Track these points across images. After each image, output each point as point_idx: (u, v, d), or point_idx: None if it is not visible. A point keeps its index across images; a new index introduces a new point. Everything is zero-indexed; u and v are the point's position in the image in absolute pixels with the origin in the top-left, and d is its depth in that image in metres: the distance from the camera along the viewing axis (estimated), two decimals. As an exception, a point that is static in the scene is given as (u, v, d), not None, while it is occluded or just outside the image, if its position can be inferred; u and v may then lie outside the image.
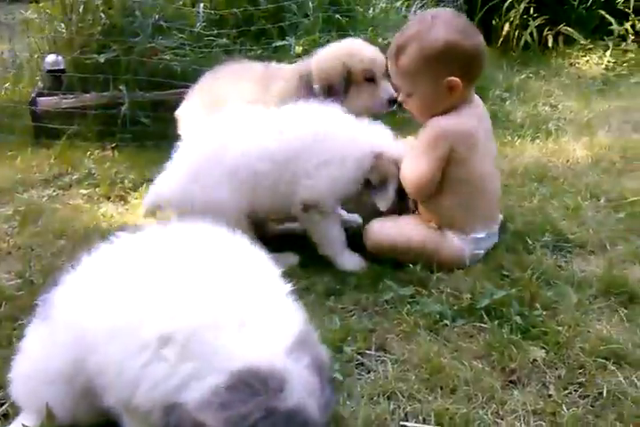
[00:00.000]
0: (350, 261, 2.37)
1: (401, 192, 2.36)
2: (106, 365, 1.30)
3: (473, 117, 2.33)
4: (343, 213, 2.58)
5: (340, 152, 2.30)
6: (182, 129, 3.20)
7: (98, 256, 1.50)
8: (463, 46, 2.22)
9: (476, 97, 2.43)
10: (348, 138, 2.33)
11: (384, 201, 2.34)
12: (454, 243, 2.34)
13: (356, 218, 2.59)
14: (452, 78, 2.23)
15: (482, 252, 2.38)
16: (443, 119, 2.29)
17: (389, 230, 2.36)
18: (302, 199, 2.31)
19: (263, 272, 1.43)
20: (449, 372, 1.75)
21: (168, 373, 1.21)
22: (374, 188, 2.33)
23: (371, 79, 2.93)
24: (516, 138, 3.75)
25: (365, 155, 2.32)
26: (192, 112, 3.16)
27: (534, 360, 1.80)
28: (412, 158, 2.32)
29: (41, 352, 1.51)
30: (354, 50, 2.97)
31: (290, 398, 1.18)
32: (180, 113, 3.26)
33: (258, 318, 1.27)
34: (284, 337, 1.26)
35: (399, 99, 2.45)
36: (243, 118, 2.40)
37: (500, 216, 2.51)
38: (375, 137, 2.38)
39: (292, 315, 1.35)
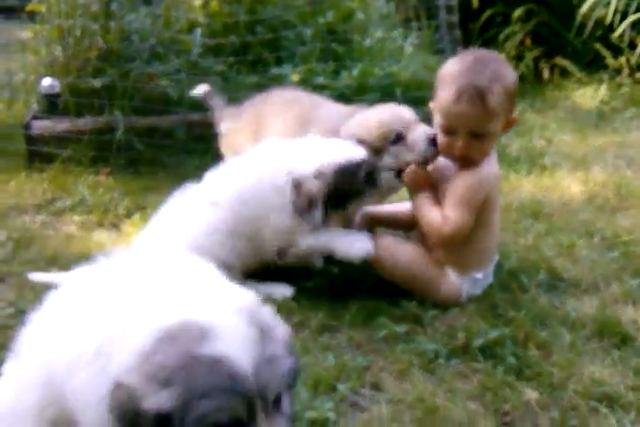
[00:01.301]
0: (353, 245, 2.32)
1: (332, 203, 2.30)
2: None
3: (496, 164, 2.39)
4: None
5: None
6: (224, 148, 3.22)
7: (60, 292, 1.48)
8: (515, 84, 2.32)
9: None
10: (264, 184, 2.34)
11: (312, 224, 2.30)
12: (452, 280, 2.34)
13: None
14: (515, 114, 2.31)
15: (478, 292, 2.38)
16: (485, 164, 2.31)
17: (396, 250, 2.36)
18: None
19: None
20: (443, 413, 1.75)
21: None
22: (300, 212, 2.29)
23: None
24: (512, 172, 3.75)
25: (282, 185, 2.31)
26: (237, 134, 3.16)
27: (528, 402, 1.79)
28: (452, 207, 2.26)
29: (12, 391, 1.48)
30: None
31: (213, 346, 1.13)
32: (224, 131, 3.25)
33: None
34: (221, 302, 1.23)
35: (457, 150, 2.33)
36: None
37: (496, 256, 2.51)
38: (288, 161, 2.36)
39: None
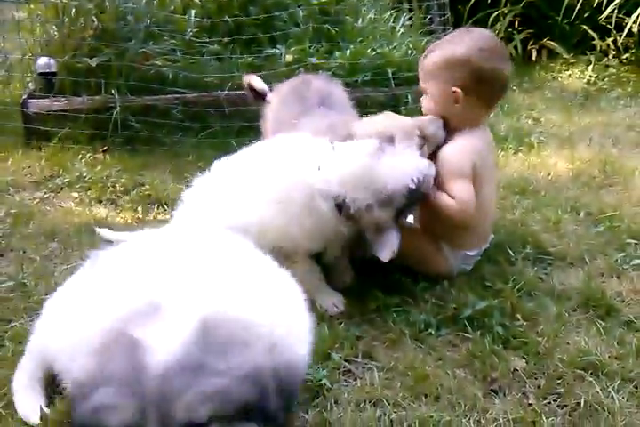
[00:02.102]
0: (326, 298, 2.23)
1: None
2: None
3: (484, 139, 2.44)
4: None
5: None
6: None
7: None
8: (479, 63, 2.30)
9: (487, 128, 2.54)
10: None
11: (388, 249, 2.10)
12: (445, 256, 2.41)
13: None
14: (456, 89, 2.31)
15: (469, 267, 2.46)
16: (459, 138, 2.35)
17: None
18: None
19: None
20: (433, 380, 1.83)
21: None
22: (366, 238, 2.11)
23: None
24: (500, 151, 3.84)
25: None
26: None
27: (515, 370, 1.88)
28: (450, 185, 2.27)
29: None
30: None
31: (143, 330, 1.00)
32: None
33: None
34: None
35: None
36: None
37: (491, 235, 2.58)
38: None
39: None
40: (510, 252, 2.55)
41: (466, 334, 2.05)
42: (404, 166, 2.11)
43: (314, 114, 2.66)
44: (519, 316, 2.12)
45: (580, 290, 2.28)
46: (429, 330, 2.07)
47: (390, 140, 2.21)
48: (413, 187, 2.08)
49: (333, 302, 2.22)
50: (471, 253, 2.44)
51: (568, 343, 2.00)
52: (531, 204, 3.08)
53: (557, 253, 2.59)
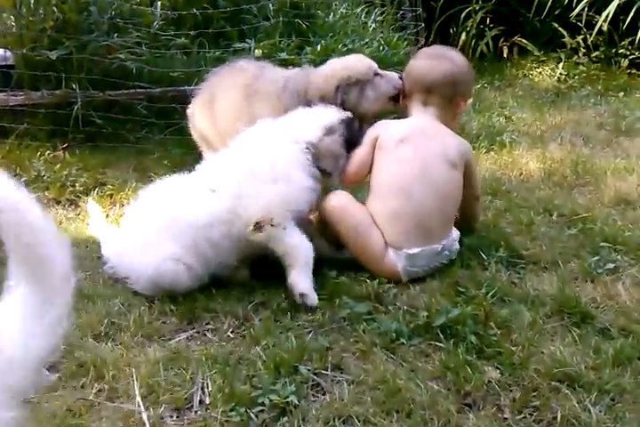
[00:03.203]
0: (311, 288, 2.22)
1: None
2: None
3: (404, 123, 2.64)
4: None
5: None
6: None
7: None
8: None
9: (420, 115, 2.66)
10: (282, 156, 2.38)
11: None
12: (390, 255, 2.37)
13: None
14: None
15: (418, 270, 2.38)
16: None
17: (347, 210, 2.42)
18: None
19: None
20: (405, 394, 1.75)
21: None
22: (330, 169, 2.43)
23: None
24: (472, 149, 3.78)
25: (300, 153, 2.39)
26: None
27: (489, 382, 1.81)
28: None
29: None
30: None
31: None
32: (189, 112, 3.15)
33: None
34: None
35: None
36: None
37: (454, 234, 2.50)
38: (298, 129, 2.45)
39: None
40: (483, 255, 2.49)
41: (438, 344, 1.98)
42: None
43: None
44: (493, 324, 2.05)
45: (554, 296, 2.23)
46: (401, 339, 1.99)
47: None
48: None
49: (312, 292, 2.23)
50: (413, 252, 2.35)
51: (543, 353, 1.94)
52: (503, 204, 3.04)
53: (530, 256, 2.54)
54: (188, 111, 3.13)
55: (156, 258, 2.21)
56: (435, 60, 2.69)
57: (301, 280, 2.20)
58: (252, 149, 2.41)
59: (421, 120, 2.63)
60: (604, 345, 1.97)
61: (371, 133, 2.56)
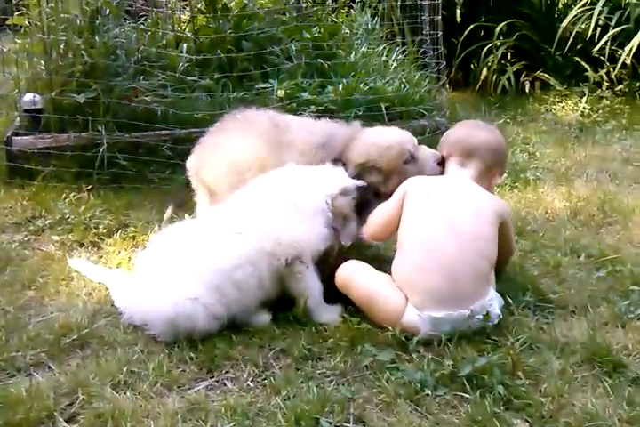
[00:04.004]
0: (328, 314, 2.36)
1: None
2: None
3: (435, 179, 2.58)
4: None
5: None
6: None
7: None
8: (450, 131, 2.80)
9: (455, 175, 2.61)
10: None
11: (348, 236, 2.45)
12: (409, 318, 2.23)
13: None
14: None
15: (440, 335, 2.19)
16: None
17: (356, 277, 2.37)
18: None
19: None
20: (430, 449, 1.69)
21: None
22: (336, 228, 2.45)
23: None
24: (495, 187, 3.74)
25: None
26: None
27: (518, 435, 1.75)
28: None
29: None
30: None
31: None
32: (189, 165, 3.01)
33: None
34: None
35: None
36: None
37: (490, 297, 2.28)
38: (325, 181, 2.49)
39: None
40: (509, 299, 2.42)
41: (465, 395, 1.92)
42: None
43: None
44: (521, 373, 1.99)
45: (584, 343, 2.16)
46: (426, 390, 1.93)
47: None
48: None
49: (334, 317, 2.35)
50: (437, 315, 2.19)
51: (574, 404, 1.87)
52: (529, 245, 2.99)
53: (559, 300, 2.48)
54: (190, 161, 2.99)
55: (174, 298, 2.20)
56: (476, 129, 2.69)
57: (316, 316, 2.36)
58: (277, 190, 2.45)
59: (455, 177, 2.57)
60: (638, 396, 1.89)
61: (400, 189, 2.51)
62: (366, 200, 2.56)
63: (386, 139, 2.67)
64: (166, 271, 2.29)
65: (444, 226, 2.32)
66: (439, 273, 2.24)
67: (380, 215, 2.52)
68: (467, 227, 2.32)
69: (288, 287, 2.37)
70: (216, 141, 2.91)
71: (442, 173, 2.65)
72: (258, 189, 2.50)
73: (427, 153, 2.68)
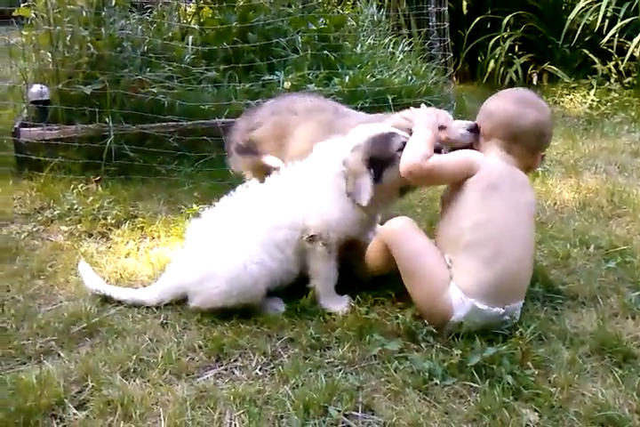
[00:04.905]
0: (336, 304, 2.37)
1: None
2: None
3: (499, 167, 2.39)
4: None
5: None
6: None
7: None
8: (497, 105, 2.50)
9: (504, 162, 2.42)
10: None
11: (363, 193, 2.36)
12: (450, 295, 2.16)
13: None
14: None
15: (470, 325, 2.14)
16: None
17: (411, 235, 2.30)
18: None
19: None
20: (439, 438, 1.69)
21: None
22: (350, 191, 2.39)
23: None
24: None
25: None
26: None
27: (527, 425, 1.74)
28: None
29: None
30: None
31: None
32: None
33: None
34: None
35: None
36: None
37: (518, 304, 2.23)
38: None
39: None
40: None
41: (474, 384, 1.91)
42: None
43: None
44: (530, 363, 1.98)
45: (594, 333, 2.15)
46: (434, 380, 1.93)
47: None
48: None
49: (342, 307, 2.37)
50: (480, 307, 2.13)
51: (583, 394, 1.86)
52: (538, 236, 2.95)
53: (568, 291, 2.47)
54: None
55: (242, 261, 2.27)
56: (526, 108, 2.40)
57: (325, 303, 2.38)
58: (313, 166, 2.49)
59: (510, 168, 2.36)
60: (648, 386, 1.89)
61: (466, 157, 2.35)
62: (387, 149, 2.40)
63: (419, 110, 2.67)
64: (230, 238, 2.33)
65: (511, 228, 2.23)
66: (500, 274, 2.17)
67: (436, 157, 2.31)
68: (526, 232, 2.29)
69: (307, 265, 2.39)
70: (273, 124, 3.04)
71: (475, 139, 2.49)
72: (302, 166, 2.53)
73: (457, 122, 2.61)
